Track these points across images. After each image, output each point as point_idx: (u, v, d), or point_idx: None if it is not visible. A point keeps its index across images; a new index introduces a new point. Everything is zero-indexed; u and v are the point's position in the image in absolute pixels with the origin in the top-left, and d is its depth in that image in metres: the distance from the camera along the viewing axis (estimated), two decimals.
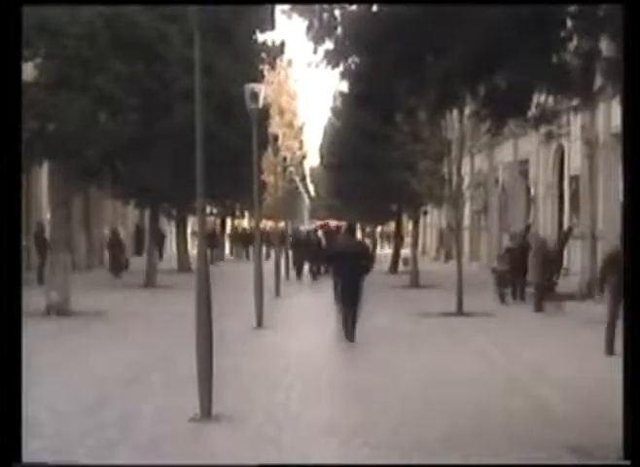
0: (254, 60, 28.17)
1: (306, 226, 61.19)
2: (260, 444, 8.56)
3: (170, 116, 21.95)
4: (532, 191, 31.42)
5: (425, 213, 36.14)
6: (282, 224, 36.43)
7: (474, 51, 7.78)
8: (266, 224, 44.38)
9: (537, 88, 8.73)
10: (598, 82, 8.72)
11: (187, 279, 25.57)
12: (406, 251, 37.46)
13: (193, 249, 35.99)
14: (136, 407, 10.18)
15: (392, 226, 44.79)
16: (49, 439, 8.62)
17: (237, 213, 51.03)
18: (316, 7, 8.44)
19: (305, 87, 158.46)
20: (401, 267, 36.30)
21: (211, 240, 38.32)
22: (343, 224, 32.17)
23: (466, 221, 36.02)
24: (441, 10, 7.83)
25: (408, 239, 39.42)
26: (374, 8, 8.48)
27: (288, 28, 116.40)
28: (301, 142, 74.43)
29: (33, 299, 19.22)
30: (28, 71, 17.80)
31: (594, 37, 8.30)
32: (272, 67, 33.45)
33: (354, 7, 8.59)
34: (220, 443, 8.73)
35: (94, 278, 30.56)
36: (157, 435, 8.87)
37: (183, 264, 36.22)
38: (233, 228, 56.02)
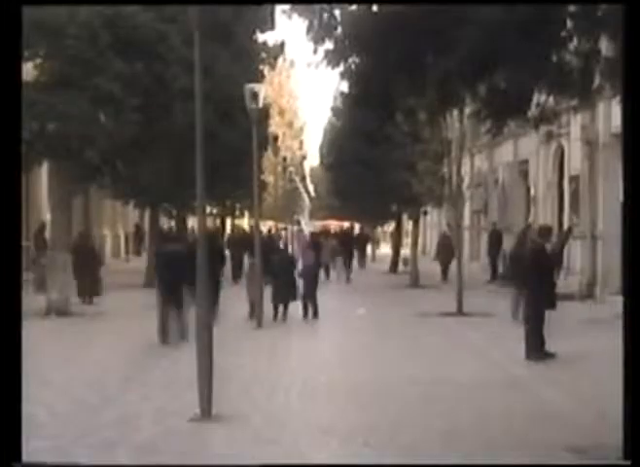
0: (254, 60, 28.15)
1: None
2: (260, 444, 8.57)
3: (170, 116, 21.93)
4: (532, 191, 31.41)
5: (425, 213, 36.14)
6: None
7: (474, 51, 7.77)
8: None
9: (537, 88, 8.73)
10: (598, 82, 8.72)
11: None
12: (405, 251, 37.46)
13: None
14: (135, 407, 10.19)
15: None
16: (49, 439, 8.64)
17: (237, 213, 50.95)
18: (316, 7, 8.44)
19: (306, 87, 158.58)
20: (401, 267, 36.30)
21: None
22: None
23: (466, 221, 36.03)
24: (441, 10, 7.83)
25: (407, 240, 39.43)
26: (374, 8, 8.48)
27: (288, 28, 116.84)
28: (301, 142, 74.48)
29: (33, 299, 19.25)
30: (28, 71, 17.79)
31: (594, 37, 8.31)
32: (272, 67, 33.42)
33: (354, 7, 8.59)
34: (220, 443, 8.73)
35: None
36: (156, 435, 8.87)
37: None
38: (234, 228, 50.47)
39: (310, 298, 19.55)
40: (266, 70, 30.77)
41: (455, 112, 21.13)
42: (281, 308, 19.04)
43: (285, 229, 52.04)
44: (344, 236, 38.22)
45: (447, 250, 30.93)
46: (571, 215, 26.73)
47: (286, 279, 18.93)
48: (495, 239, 31.36)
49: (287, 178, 54.24)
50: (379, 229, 59.40)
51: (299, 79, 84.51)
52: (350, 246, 35.82)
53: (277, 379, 12.05)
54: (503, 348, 14.99)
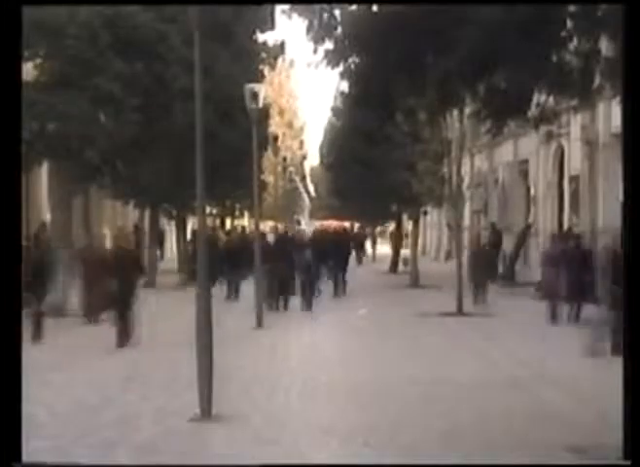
0: (254, 60, 28.15)
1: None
2: (260, 444, 8.57)
3: (170, 116, 21.95)
4: (532, 191, 31.42)
5: (425, 213, 36.17)
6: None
7: (474, 51, 7.78)
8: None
9: (537, 88, 8.73)
10: (598, 82, 8.73)
11: (187, 279, 25.56)
12: (405, 251, 37.48)
13: None
14: (135, 407, 10.19)
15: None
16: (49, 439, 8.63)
17: (237, 213, 51.00)
18: (316, 7, 8.44)
19: (306, 87, 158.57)
20: (401, 267, 36.30)
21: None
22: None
23: (466, 221, 36.03)
24: (441, 10, 7.83)
25: (407, 240, 39.43)
26: (374, 8, 8.48)
27: (288, 28, 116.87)
28: (301, 142, 74.49)
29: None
30: (28, 71, 17.80)
31: (594, 37, 8.31)
32: (272, 67, 33.42)
33: (354, 7, 8.59)
34: (220, 443, 8.73)
35: None
36: (156, 435, 8.87)
37: (183, 264, 36.18)
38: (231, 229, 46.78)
39: (305, 296, 21.33)
40: (266, 70, 30.76)
41: (455, 112, 21.15)
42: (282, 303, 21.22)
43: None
44: (341, 235, 38.19)
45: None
46: (571, 215, 26.74)
47: (285, 275, 21.19)
48: (495, 239, 31.31)
49: (287, 178, 54.31)
50: (378, 228, 59.47)
51: (299, 79, 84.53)
52: (347, 244, 35.76)
53: (277, 379, 12.04)
54: (503, 348, 14.99)
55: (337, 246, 25.99)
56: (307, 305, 21.22)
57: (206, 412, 9.54)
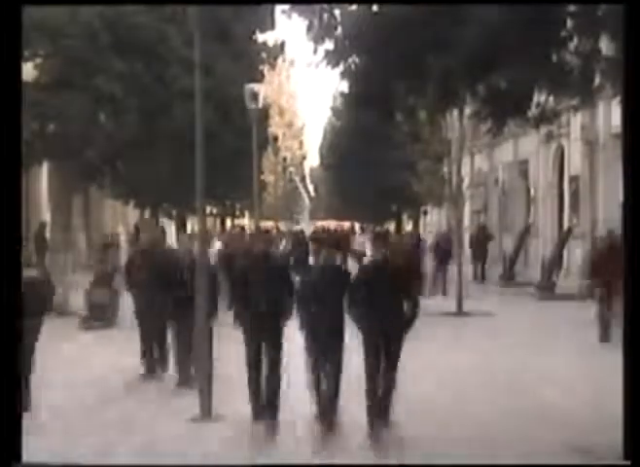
0: (254, 60, 28.16)
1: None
2: (259, 444, 8.57)
3: (170, 116, 21.96)
4: (532, 191, 31.42)
5: (425, 213, 36.18)
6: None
7: (474, 50, 7.78)
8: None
9: (537, 88, 8.73)
10: (598, 82, 8.73)
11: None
12: None
13: None
14: (135, 407, 10.19)
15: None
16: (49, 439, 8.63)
17: (237, 213, 51.06)
18: (316, 7, 8.44)
19: (306, 87, 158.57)
20: None
21: None
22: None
23: (466, 221, 36.03)
24: (441, 10, 7.84)
25: None
26: (375, 8, 8.48)
27: (288, 28, 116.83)
28: (301, 142, 74.53)
29: None
30: (28, 71, 17.81)
31: (594, 37, 8.31)
32: (272, 67, 33.45)
33: (354, 7, 8.59)
34: (220, 443, 8.72)
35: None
36: (156, 435, 8.87)
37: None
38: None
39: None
40: (266, 70, 30.79)
41: (455, 112, 21.15)
42: None
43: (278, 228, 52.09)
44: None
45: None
46: (571, 215, 26.75)
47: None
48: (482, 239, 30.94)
49: (287, 178, 54.33)
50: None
51: (299, 79, 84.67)
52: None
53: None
54: (503, 348, 14.98)
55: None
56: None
57: (206, 412, 9.54)
